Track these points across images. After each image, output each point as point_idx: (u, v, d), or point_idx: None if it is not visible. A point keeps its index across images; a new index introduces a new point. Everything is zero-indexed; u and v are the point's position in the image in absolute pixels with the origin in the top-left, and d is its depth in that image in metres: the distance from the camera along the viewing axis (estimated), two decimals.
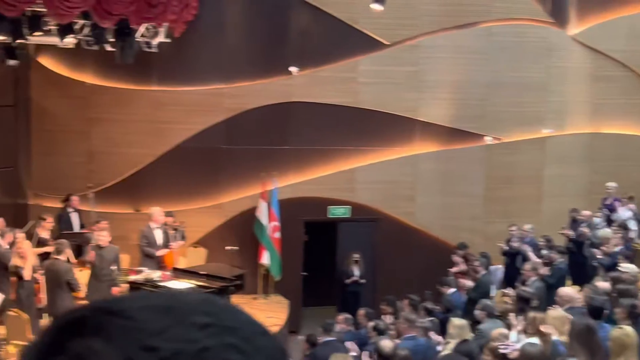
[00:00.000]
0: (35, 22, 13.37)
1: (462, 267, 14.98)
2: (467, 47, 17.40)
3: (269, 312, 15.41)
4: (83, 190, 16.00)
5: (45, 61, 16.66)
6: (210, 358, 0.75)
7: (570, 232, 15.63)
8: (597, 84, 18.18)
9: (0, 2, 11.71)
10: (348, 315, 12.92)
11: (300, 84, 16.75)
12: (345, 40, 16.76)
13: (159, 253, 14.80)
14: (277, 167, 16.49)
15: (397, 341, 10.06)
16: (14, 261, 13.08)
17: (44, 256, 13.66)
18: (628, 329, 7.41)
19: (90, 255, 13.97)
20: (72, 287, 12.55)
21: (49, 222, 14.87)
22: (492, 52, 17.47)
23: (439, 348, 10.40)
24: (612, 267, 13.11)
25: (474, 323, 10.70)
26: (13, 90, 16.57)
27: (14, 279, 13.30)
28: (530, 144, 17.87)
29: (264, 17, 16.55)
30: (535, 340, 8.05)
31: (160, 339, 0.75)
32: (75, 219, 15.43)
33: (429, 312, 12.25)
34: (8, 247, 13.38)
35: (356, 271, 16.48)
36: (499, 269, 15.50)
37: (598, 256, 14.29)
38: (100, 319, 0.78)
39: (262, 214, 16.16)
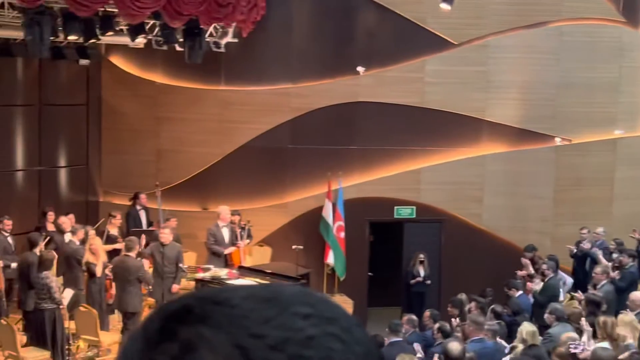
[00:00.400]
0: (107, 22, 13.79)
1: (530, 269, 14.83)
2: (537, 47, 17.27)
3: None
4: (151, 188, 16.30)
5: (116, 60, 17.16)
6: (316, 346, 0.76)
7: None
8: None
9: (72, 2, 12.10)
10: (413, 317, 12.87)
11: (367, 84, 16.80)
12: (412, 40, 16.75)
13: (227, 251, 15.03)
14: (343, 167, 16.58)
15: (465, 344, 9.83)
16: (87, 257, 13.33)
17: (112, 253, 14.03)
18: None
19: (142, 239, 14.17)
20: (145, 280, 12.97)
21: (118, 219, 15.35)
22: (562, 52, 17.34)
23: (506, 351, 10.22)
24: None
25: (542, 327, 10.70)
26: (85, 90, 16.98)
27: (85, 275, 13.48)
28: (601, 145, 17.63)
29: (331, 17, 16.67)
30: (606, 344, 7.92)
31: (267, 327, 0.77)
32: (143, 216, 15.76)
33: (497, 315, 12.12)
34: (79, 243, 13.61)
35: (422, 272, 16.45)
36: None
37: None
38: (206, 307, 0.80)
39: (328, 214, 16.24)
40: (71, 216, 15.01)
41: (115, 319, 13.89)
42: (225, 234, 15.15)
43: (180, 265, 13.91)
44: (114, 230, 15.07)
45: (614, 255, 14.52)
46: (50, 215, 15.20)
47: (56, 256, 13.33)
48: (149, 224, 15.79)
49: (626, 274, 13.51)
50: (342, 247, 16.43)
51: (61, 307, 12.16)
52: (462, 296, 13.92)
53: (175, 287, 13.55)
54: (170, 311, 0.80)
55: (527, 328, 9.85)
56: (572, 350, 8.36)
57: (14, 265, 13.57)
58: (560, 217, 17.42)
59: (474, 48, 17.07)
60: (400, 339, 11.25)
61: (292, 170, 16.98)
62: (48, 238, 14.28)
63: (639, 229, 16.09)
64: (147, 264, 13.83)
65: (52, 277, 12.16)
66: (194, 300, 0.81)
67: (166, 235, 13.75)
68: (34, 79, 16.32)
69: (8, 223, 14.15)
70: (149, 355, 0.78)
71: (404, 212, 17.24)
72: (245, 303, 0.80)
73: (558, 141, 17.32)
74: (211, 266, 14.73)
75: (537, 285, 14.33)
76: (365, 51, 16.86)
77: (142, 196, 16.03)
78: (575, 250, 15.64)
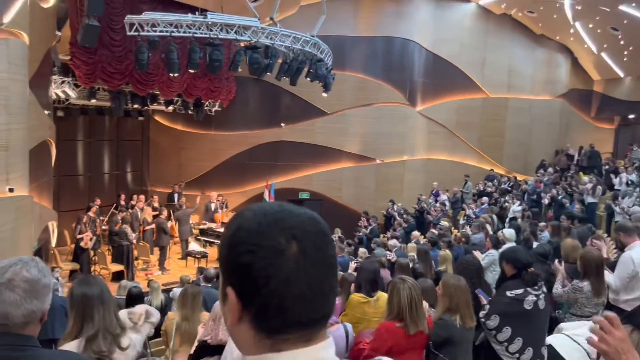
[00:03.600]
0: (154, 97, 14.51)
1: (365, 223, 15.95)
2: (369, 115, 17.77)
3: None
4: (178, 182, 16.61)
5: (158, 117, 17.36)
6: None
7: (417, 206, 16.20)
8: (429, 134, 18.55)
9: (136, 87, 12.70)
10: None
11: (286, 132, 17.41)
12: (308, 110, 17.32)
13: (215, 215, 15.37)
14: (274, 173, 17.00)
15: None
16: (142, 219, 13.90)
17: (154, 216, 13.88)
18: (447, 252, 7.53)
19: (184, 200, 14.73)
20: (166, 231, 13.07)
21: (156, 199, 15.54)
22: (380, 118, 17.75)
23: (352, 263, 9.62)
24: (437, 223, 13.63)
25: (371, 250, 10.95)
26: (141, 133, 17.26)
27: (141, 227, 13.76)
28: (398, 163, 18.31)
29: (267, 97, 16.96)
30: (404, 258, 7.82)
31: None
32: (176, 197, 15.78)
33: (349, 245, 12.90)
34: (139, 210, 14.03)
35: None
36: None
37: (430, 218, 15.01)
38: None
39: (266, 196, 16.37)
40: (135, 196, 15.11)
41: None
42: (213, 206, 15.52)
43: (191, 222, 14.32)
44: (156, 204, 15.21)
45: (404, 216, 15.30)
46: (122, 197, 15.44)
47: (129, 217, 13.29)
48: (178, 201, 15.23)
49: (410, 224, 14.43)
50: None
51: (132, 244, 12.46)
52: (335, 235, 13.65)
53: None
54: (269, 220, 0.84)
55: (361, 250, 10.35)
56: (389, 258, 8.50)
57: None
58: (379, 197, 17.68)
59: (338, 115, 17.60)
60: None
61: (249, 174, 17.17)
62: (119, 209, 14.33)
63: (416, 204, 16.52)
64: (169, 223, 13.65)
65: (128, 228, 12.47)
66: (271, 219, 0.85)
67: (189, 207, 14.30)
68: (115, 126, 16.42)
69: (98, 202, 13.55)
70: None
71: (304, 195, 17.67)
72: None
73: (378, 161, 18.03)
74: (207, 222, 15.10)
75: (368, 230, 14.97)
76: (285, 115, 17.22)
77: (176, 186, 16.28)
78: (385, 213, 16.55)
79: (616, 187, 14.13)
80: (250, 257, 0.83)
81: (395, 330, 3.24)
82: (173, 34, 10.28)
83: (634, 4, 14.50)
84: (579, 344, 3.31)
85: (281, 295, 0.82)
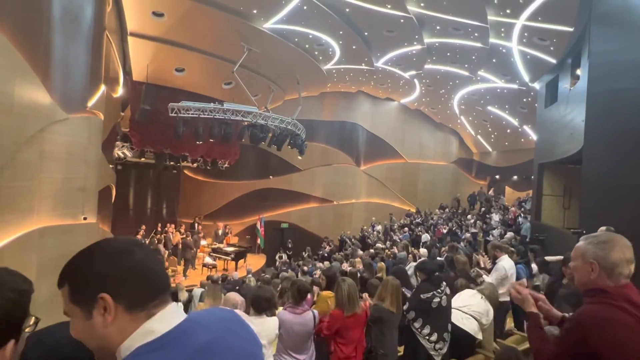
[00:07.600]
0: (184, 157, 14.00)
1: (326, 245, 14.49)
2: (329, 172, 17.19)
3: (259, 260, 15.18)
4: (197, 215, 16.35)
5: (186, 171, 16.75)
6: None
7: (361, 234, 15.24)
8: (369, 185, 18.10)
9: (173, 149, 12.55)
10: (286, 259, 13.34)
11: (273, 182, 16.88)
12: (288, 167, 16.81)
13: (224, 240, 15.04)
14: (264, 210, 16.59)
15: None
16: (174, 240, 13.32)
17: (182, 238, 13.40)
18: (382, 263, 6.86)
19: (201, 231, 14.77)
20: (192, 248, 12.66)
21: (183, 227, 14.95)
22: (336, 174, 17.40)
23: (317, 270, 9.11)
24: (373, 246, 12.39)
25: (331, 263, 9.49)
26: (174, 181, 16.46)
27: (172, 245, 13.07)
28: (348, 204, 17.43)
29: (261, 158, 16.43)
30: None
31: None
32: (196, 226, 15.47)
33: (315, 258, 12.01)
34: (171, 234, 13.52)
35: (289, 245, 15.90)
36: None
37: (370, 241, 13.71)
38: None
39: (258, 226, 16.08)
40: (168, 225, 14.65)
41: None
42: (220, 232, 15.23)
43: (205, 243, 14.22)
44: (181, 229, 14.54)
45: (352, 240, 14.19)
46: (159, 225, 14.52)
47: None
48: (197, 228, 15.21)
49: (356, 246, 12.91)
50: (264, 237, 16.02)
51: (165, 257, 11.84)
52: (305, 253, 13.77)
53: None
54: None
55: (327, 263, 9.34)
56: (343, 268, 7.02)
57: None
58: (335, 228, 16.54)
59: (308, 171, 17.05)
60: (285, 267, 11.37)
61: (247, 210, 16.61)
62: (157, 233, 13.91)
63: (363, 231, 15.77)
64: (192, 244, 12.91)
65: (162, 247, 12.25)
66: None
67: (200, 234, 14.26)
68: (156, 177, 15.76)
69: (144, 227, 13.54)
70: None
71: (284, 225, 17.03)
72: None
73: (335, 202, 17.48)
74: (216, 243, 14.69)
75: (327, 249, 14.12)
76: (272, 170, 16.76)
77: (197, 218, 15.94)
78: (339, 238, 15.07)
79: (489, 222, 14.62)
80: None
81: (341, 314, 3.24)
82: (200, 116, 10.44)
83: (495, 106, 15.62)
84: (465, 312, 3.50)
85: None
